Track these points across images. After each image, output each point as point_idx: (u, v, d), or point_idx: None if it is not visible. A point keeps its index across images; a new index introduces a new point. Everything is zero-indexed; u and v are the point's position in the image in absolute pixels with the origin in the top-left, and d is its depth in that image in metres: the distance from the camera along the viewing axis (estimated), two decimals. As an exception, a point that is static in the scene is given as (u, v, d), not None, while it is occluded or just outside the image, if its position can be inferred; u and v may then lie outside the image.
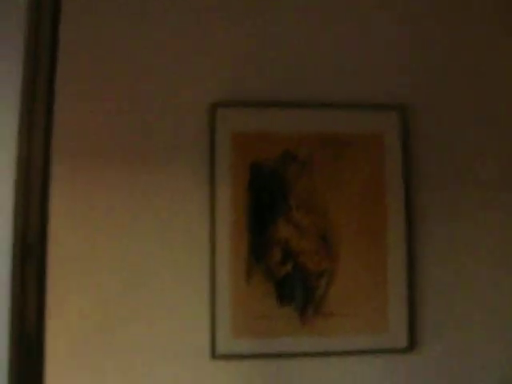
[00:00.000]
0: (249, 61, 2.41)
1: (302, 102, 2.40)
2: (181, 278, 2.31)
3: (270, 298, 2.33)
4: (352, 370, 2.40)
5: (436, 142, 2.48)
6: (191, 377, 2.29)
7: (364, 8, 2.48)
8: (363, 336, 2.37)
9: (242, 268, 2.32)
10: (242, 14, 2.42)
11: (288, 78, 2.42)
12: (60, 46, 1.30)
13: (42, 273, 1.40)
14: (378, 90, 2.46)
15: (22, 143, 1.30)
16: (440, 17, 2.52)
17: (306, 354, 2.36)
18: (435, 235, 2.44)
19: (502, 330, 2.45)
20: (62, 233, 2.21)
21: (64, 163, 2.22)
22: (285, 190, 2.36)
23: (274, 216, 2.35)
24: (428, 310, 2.42)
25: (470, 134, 2.50)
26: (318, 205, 2.37)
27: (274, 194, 2.36)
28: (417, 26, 2.51)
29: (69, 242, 2.25)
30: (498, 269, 2.47)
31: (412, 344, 2.38)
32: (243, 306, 2.32)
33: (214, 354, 2.30)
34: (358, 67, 2.46)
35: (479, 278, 2.45)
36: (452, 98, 2.51)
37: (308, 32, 2.45)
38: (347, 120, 2.42)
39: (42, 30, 1.30)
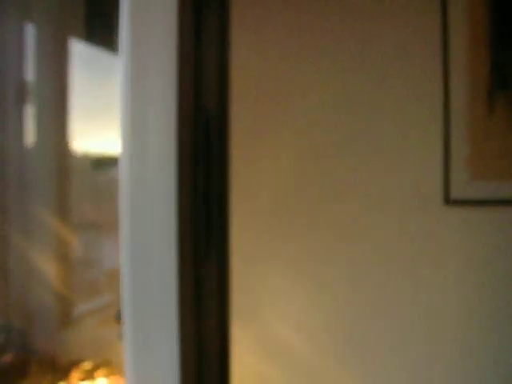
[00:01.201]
0: None
1: None
2: (409, 110, 1.97)
3: (516, 131, 1.92)
4: None
5: None
6: (422, 224, 1.98)
7: None
8: None
9: (481, 95, 1.92)
10: None
11: None
12: None
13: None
14: None
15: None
16: None
17: (559, 201, 1.94)
18: None
19: None
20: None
21: None
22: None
23: (521, 30, 1.90)
24: None
25: None
26: None
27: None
28: None
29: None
30: None
31: None
32: (483, 142, 1.93)
33: (448, 199, 1.96)
34: None
35: None
36: None
37: None
38: None
39: None
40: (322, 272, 2.00)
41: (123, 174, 1.12)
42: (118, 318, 1.81)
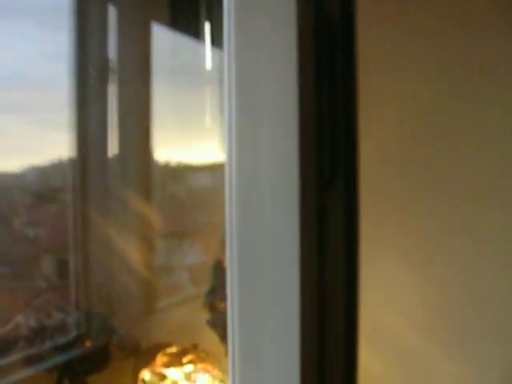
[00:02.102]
0: None
1: None
2: None
3: None
4: None
5: None
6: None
7: None
8: None
9: None
10: None
11: None
12: None
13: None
14: None
15: None
16: None
17: None
18: None
19: None
20: None
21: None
22: None
23: None
24: None
25: None
26: None
27: None
28: None
29: None
30: None
31: None
32: None
33: None
34: None
35: None
36: None
37: None
38: None
39: None
40: (438, 263, 1.78)
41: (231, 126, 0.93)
42: (208, 298, 1.66)
